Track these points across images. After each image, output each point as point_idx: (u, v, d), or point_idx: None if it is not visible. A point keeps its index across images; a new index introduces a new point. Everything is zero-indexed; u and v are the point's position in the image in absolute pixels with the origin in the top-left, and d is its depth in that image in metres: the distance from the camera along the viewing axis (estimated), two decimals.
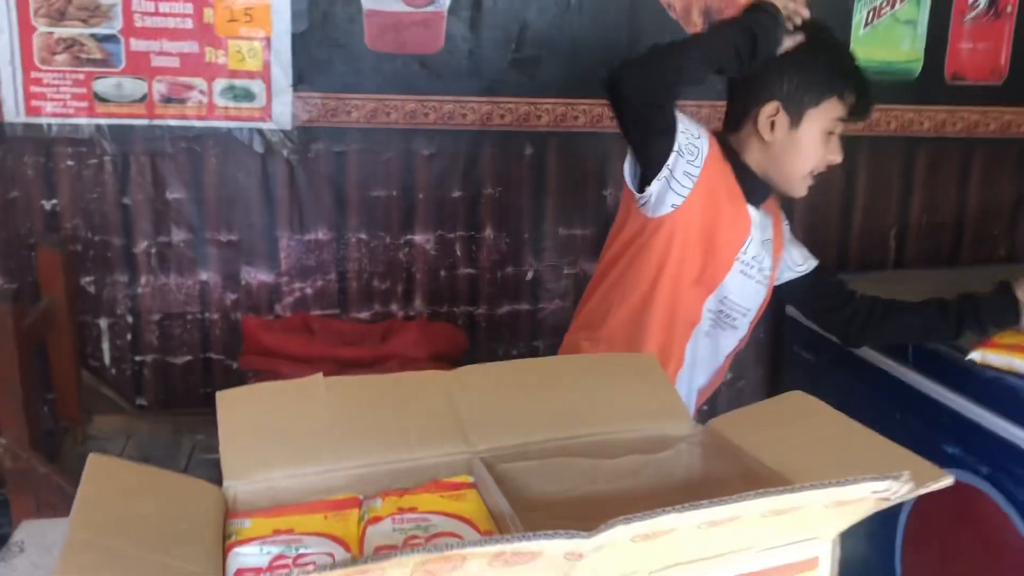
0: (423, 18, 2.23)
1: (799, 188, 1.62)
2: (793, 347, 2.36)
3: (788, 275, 1.74)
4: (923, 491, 0.95)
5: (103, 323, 2.28)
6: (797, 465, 1.00)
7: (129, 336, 2.30)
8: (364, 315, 2.38)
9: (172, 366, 2.33)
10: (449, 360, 2.17)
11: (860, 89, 1.57)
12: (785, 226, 1.74)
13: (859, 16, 2.40)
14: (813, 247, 2.40)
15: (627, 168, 1.55)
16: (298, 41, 2.20)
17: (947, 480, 0.96)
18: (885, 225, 2.57)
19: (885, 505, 0.84)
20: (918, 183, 2.55)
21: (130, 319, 2.29)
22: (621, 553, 0.76)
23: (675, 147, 1.47)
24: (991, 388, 1.65)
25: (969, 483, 1.69)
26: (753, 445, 1.07)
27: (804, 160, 1.57)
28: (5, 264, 2.21)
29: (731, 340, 1.69)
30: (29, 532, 1.38)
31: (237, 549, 0.89)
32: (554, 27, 2.29)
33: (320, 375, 1.14)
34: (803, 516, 0.83)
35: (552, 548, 0.71)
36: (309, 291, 2.34)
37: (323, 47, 2.22)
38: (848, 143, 2.38)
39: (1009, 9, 2.47)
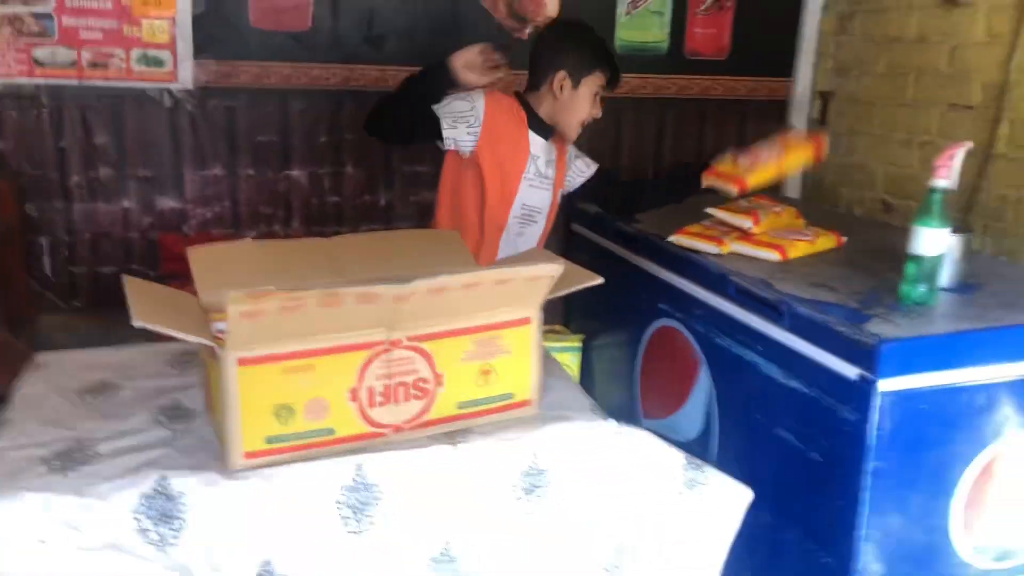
0: (295, 3, 2.91)
1: (574, 133, 2.44)
2: (576, 253, 3.21)
3: (580, 180, 2.59)
4: (584, 285, 1.77)
5: (44, 241, 2.87)
6: None
7: (66, 252, 2.89)
8: (253, 233, 3.03)
9: (101, 275, 2.93)
10: None
11: (613, 67, 2.40)
12: (571, 150, 2.55)
13: (621, 8, 3.23)
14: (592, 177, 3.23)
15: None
16: (197, 20, 2.82)
17: (598, 279, 1.78)
18: (645, 163, 3.42)
19: (552, 284, 1.65)
20: (668, 132, 3.42)
21: (67, 238, 2.88)
22: (422, 302, 1.54)
23: (446, 130, 2.27)
24: (680, 262, 2.53)
25: (671, 325, 2.59)
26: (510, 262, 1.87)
27: (578, 112, 2.40)
28: None
29: (536, 231, 2.50)
30: (45, 359, 2.02)
31: (214, 324, 1.63)
32: (397, 11, 2.99)
33: (249, 239, 1.88)
34: (516, 286, 1.62)
35: (386, 291, 1.48)
36: (209, 215, 2.99)
37: (217, 25, 2.85)
38: (616, 104, 3.26)
39: (729, 3, 3.36)
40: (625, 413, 2.88)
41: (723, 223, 2.53)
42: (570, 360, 3.16)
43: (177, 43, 2.82)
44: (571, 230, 3.27)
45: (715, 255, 2.45)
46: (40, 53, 2.72)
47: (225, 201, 3.00)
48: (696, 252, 2.49)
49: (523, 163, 2.40)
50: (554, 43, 2.40)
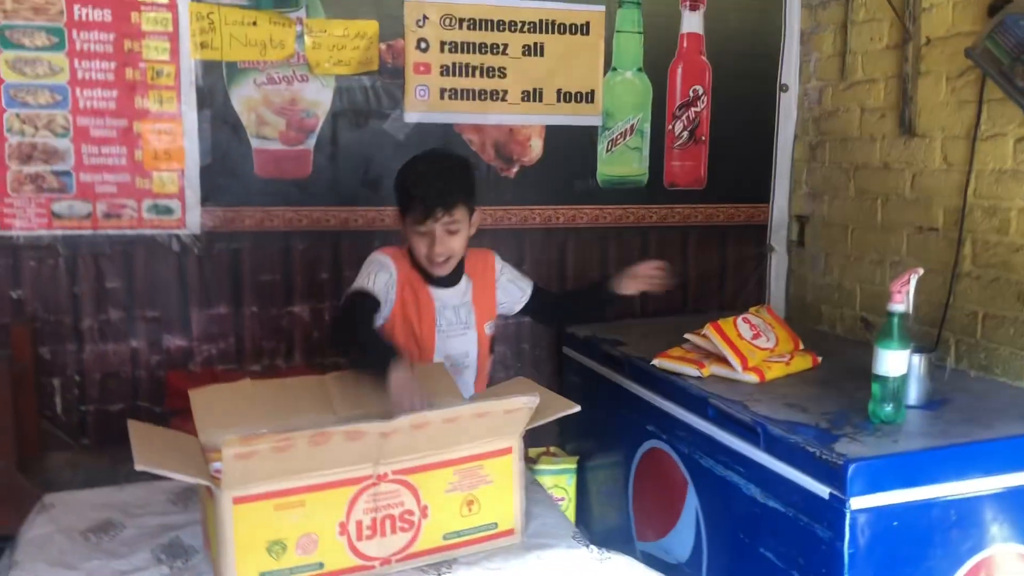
0: (296, 154, 3.13)
1: (430, 270, 2.30)
2: (569, 376, 3.33)
3: (519, 305, 2.52)
4: (562, 414, 1.87)
5: (56, 381, 2.99)
6: None
7: (76, 391, 3.01)
8: (257, 367, 3.16)
9: (109, 413, 3.04)
10: None
11: (413, 209, 2.23)
12: (499, 279, 2.48)
13: (602, 145, 3.44)
14: None
15: None
16: (204, 171, 3.03)
17: (575, 408, 1.88)
18: None
19: (531, 415, 1.76)
20: (652, 257, 3.55)
21: (77, 378, 3.01)
22: (405, 438, 1.66)
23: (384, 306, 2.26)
24: (665, 385, 2.63)
25: (658, 447, 2.67)
26: (491, 394, 1.98)
27: (418, 253, 2.28)
28: None
29: (470, 378, 2.40)
30: (54, 499, 2.11)
31: (212, 464, 1.73)
32: (391, 157, 3.18)
33: (248, 379, 2.00)
34: (495, 419, 1.74)
35: (372, 428, 1.59)
36: (215, 351, 3.12)
37: (223, 175, 3.06)
38: (601, 233, 3.43)
39: (703, 138, 3.57)
40: (620, 535, 2.93)
41: (702, 349, 2.64)
42: (566, 482, 3.22)
43: (185, 192, 3.02)
44: (562, 353, 3.39)
45: (696, 378, 2.56)
46: (58, 207, 2.92)
47: (230, 338, 3.14)
48: (678, 375, 2.60)
49: (432, 316, 2.36)
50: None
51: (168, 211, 3.02)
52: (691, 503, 2.51)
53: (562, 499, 3.20)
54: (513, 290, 2.52)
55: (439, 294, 2.37)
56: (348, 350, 2.21)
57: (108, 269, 3.00)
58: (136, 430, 1.73)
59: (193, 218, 3.04)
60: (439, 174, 2.28)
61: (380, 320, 2.27)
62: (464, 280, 2.43)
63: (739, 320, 2.60)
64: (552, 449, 3.36)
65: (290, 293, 3.19)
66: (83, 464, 2.99)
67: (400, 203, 2.32)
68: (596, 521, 3.17)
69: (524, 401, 1.73)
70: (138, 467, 1.56)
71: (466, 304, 2.41)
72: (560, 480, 3.20)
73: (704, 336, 2.58)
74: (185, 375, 3.05)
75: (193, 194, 3.03)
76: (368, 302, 2.22)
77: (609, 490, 3.04)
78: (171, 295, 3.07)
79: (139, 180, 2.98)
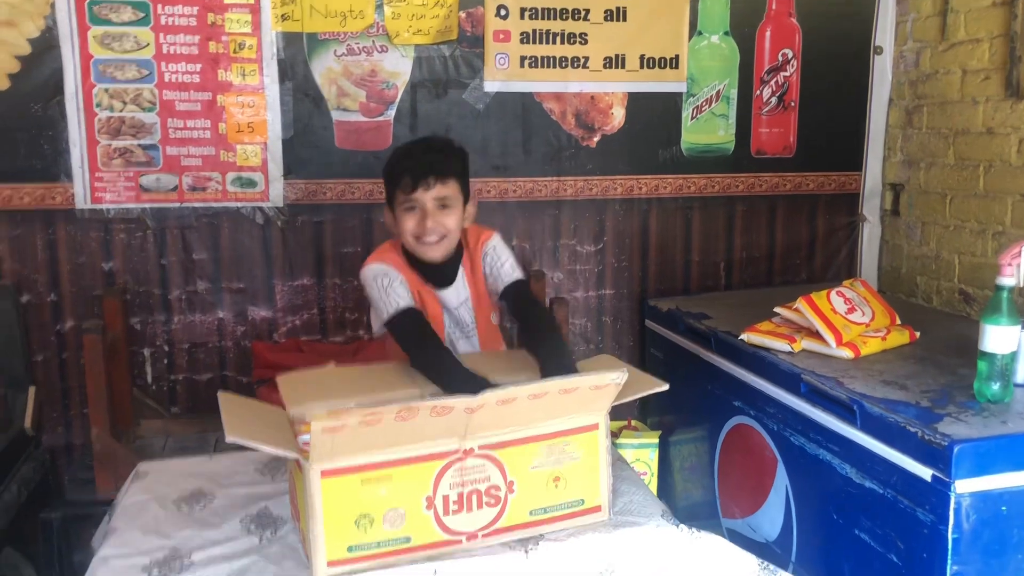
0: (375, 125, 3.12)
1: (420, 251, 2.12)
2: (651, 350, 3.27)
3: (493, 290, 2.24)
4: (650, 391, 1.82)
5: (147, 351, 3.07)
6: None
7: (166, 361, 3.09)
8: (339, 338, 3.19)
9: (197, 382, 3.11)
10: None
11: (400, 176, 2.09)
12: (485, 256, 2.21)
13: (686, 112, 3.34)
14: (663, 278, 3.32)
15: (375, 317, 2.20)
16: (287, 144, 3.05)
17: (664, 386, 1.83)
18: (716, 259, 3.47)
19: (618, 391, 1.71)
20: (738, 228, 3.47)
21: (166, 348, 3.08)
22: (493, 412, 1.63)
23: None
24: (754, 360, 2.55)
25: (746, 423, 2.60)
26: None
27: (406, 234, 2.12)
28: (74, 311, 2.99)
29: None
30: (147, 467, 2.16)
31: (300, 437, 1.73)
32: (469, 128, 3.17)
33: (332, 363, 2.00)
34: (581, 395, 1.70)
35: (459, 403, 1.57)
36: (298, 322, 3.16)
37: (305, 148, 3.07)
38: (685, 203, 3.35)
39: (793, 104, 3.44)
40: (704, 512, 2.87)
41: (793, 323, 2.55)
42: (648, 457, 3.17)
43: (268, 165, 3.04)
44: (644, 326, 3.33)
45: (787, 353, 2.47)
46: (146, 180, 2.97)
47: (313, 309, 3.16)
48: (767, 350, 2.52)
49: (440, 323, 2.22)
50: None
51: (252, 184, 3.05)
52: (781, 481, 2.44)
53: (644, 474, 3.15)
54: (501, 275, 2.22)
55: (443, 297, 2.21)
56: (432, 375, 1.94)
57: (195, 241, 3.05)
58: (226, 402, 1.75)
59: (276, 191, 3.06)
60: (430, 148, 2.17)
61: None
62: (460, 275, 2.23)
63: (833, 293, 2.50)
64: (634, 423, 3.31)
65: None
66: (174, 432, 3.06)
67: (388, 182, 2.15)
68: (679, 496, 3.11)
69: (612, 377, 1.68)
70: (229, 439, 1.57)
71: (465, 304, 2.24)
72: (642, 454, 3.15)
73: (796, 310, 2.49)
74: (270, 346, 3.09)
75: (276, 167, 3.05)
76: (416, 315, 2.07)
77: (693, 466, 2.98)
78: (255, 267, 3.11)
79: (223, 153, 3.01)
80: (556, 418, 1.72)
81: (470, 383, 1.76)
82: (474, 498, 1.67)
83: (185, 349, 3.09)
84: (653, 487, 3.17)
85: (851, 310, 2.50)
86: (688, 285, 3.46)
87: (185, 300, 3.07)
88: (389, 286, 2.09)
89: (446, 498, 1.65)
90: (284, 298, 3.14)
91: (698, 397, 2.87)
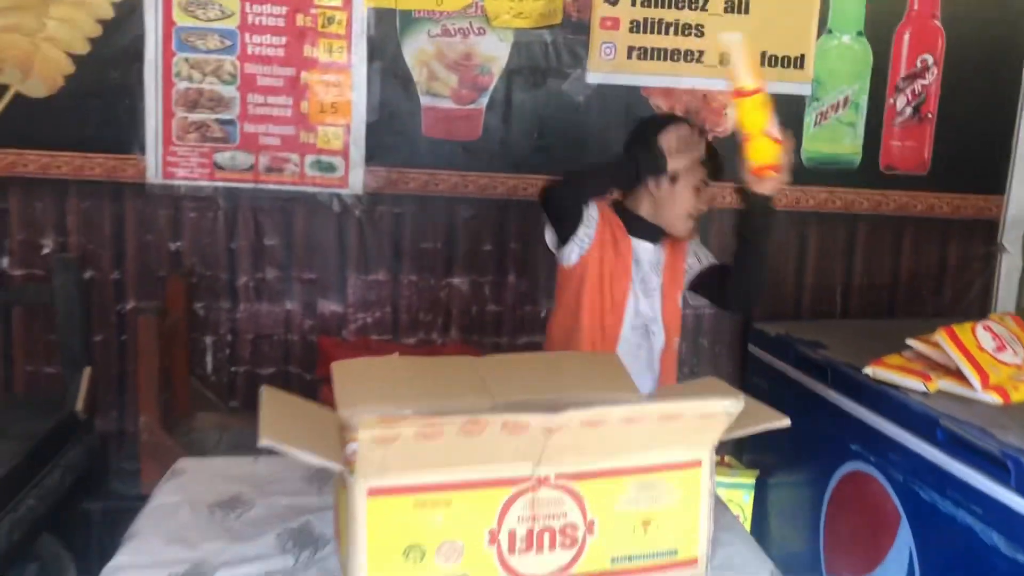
0: (467, 113, 2.89)
1: (683, 229, 2.17)
2: (753, 379, 2.94)
3: (688, 275, 2.24)
4: (768, 427, 1.53)
5: (208, 340, 2.90)
6: None
7: (228, 351, 2.91)
8: (411, 340, 2.97)
9: (260, 376, 2.93)
10: None
11: (715, 158, 2.20)
12: (689, 252, 2.25)
13: (809, 118, 3.02)
14: (772, 300, 3.01)
15: (548, 237, 2.16)
16: (371, 128, 2.85)
17: (785, 421, 1.53)
18: (832, 282, 3.13)
19: (732, 421, 1.42)
20: (859, 250, 3.12)
21: (229, 337, 2.91)
22: (575, 436, 1.35)
23: (581, 224, 2.11)
24: (879, 398, 2.21)
25: (863, 471, 2.25)
26: (678, 392, 1.65)
27: (679, 208, 2.14)
28: (137, 290, 2.84)
29: (657, 345, 2.21)
30: (185, 464, 1.96)
31: (349, 444, 1.49)
32: (567, 121, 2.91)
33: (397, 354, 1.76)
34: (684, 423, 1.41)
35: (535, 421, 1.30)
36: (370, 320, 2.95)
37: (389, 133, 2.87)
38: (801, 218, 3.04)
39: (930, 115, 3.07)
40: (804, 565, 2.53)
41: (927, 358, 2.20)
42: (742, 499, 2.84)
43: (350, 150, 2.84)
44: (747, 351, 3.00)
45: (920, 393, 2.13)
46: (221, 158, 2.80)
47: (386, 307, 2.95)
48: (896, 388, 2.18)
49: (627, 272, 2.18)
50: (648, 136, 2.17)
51: (331, 168, 2.85)
52: (903, 542, 2.09)
53: (737, 517, 2.82)
54: (691, 260, 2.27)
55: (638, 246, 2.19)
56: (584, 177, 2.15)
57: (267, 225, 2.87)
58: (269, 398, 1.52)
59: (356, 177, 2.86)
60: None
61: (575, 252, 2.14)
62: (660, 247, 2.23)
63: (979, 328, 2.14)
64: (727, 459, 2.99)
65: (450, 263, 2.97)
66: (230, 427, 2.87)
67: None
68: (775, 546, 2.76)
69: (724, 406, 1.38)
70: (262, 442, 1.34)
71: (659, 264, 2.23)
72: (735, 495, 2.82)
73: (934, 344, 2.14)
74: (338, 342, 2.89)
75: (358, 152, 2.85)
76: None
77: (795, 513, 2.64)
78: (329, 257, 2.91)
79: (303, 134, 2.83)
80: (652, 450, 1.43)
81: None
82: (546, 537, 1.39)
83: (249, 340, 2.92)
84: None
85: (1000, 348, 2.14)
86: (799, 309, 3.13)
87: (253, 287, 2.89)
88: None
89: (512, 533, 1.37)
90: (356, 293, 2.93)
91: (806, 436, 2.52)
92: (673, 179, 2.13)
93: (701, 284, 2.27)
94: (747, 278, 2.15)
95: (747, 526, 2.85)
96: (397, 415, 1.25)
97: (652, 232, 2.20)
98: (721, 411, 1.40)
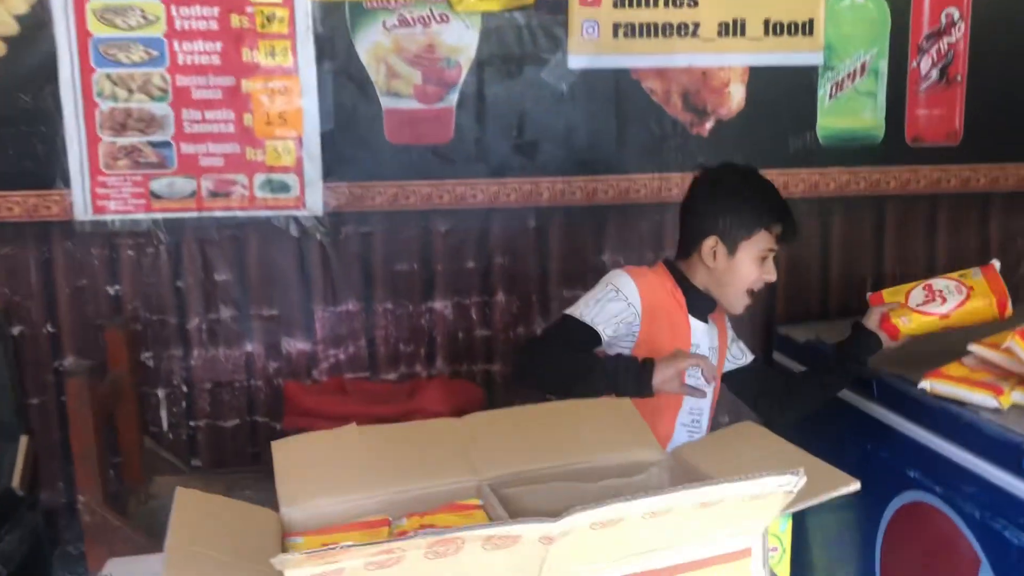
0: (435, 113, 2.54)
1: (738, 306, 1.89)
2: None
3: (729, 367, 2.01)
4: (835, 494, 1.19)
5: (161, 393, 2.55)
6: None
7: (184, 404, 2.57)
8: (392, 376, 2.63)
9: (223, 429, 2.58)
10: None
11: (785, 220, 1.87)
12: (728, 328, 2.00)
13: (823, 91, 2.67)
14: (795, 299, 2.67)
15: None
16: (327, 138, 2.50)
17: (855, 485, 1.20)
18: (861, 274, 2.79)
19: (791, 499, 1.08)
20: (889, 236, 2.78)
21: (185, 388, 2.56)
22: (585, 540, 1.00)
23: (607, 339, 1.78)
24: (941, 417, 1.87)
25: (927, 502, 1.91)
26: (708, 466, 1.31)
27: (741, 281, 1.85)
28: (76, 344, 2.50)
29: (703, 433, 1.93)
30: (117, 568, 1.63)
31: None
32: (550, 114, 2.57)
33: (354, 424, 1.41)
34: (728, 508, 1.06)
35: (528, 532, 0.95)
36: (343, 357, 2.60)
37: (348, 143, 2.52)
38: (821, 204, 2.70)
39: (959, 78, 2.73)
40: None
41: (995, 365, 1.86)
42: (779, 529, 2.49)
43: (304, 165, 2.50)
44: (772, 361, 2.65)
45: (991, 410, 1.78)
46: (157, 185, 2.46)
47: (360, 340, 2.61)
48: (961, 404, 1.83)
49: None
50: (701, 199, 1.90)
51: (284, 188, 2.50)
52: None
53: (774, 550, 2.47)
54: (735, 349, 2.04)
55: (697, 327, 1.89)
56: (557, 375, 1.74)
57: (217, 259, 2.53)
58: (183, 502, 1.18)
59: (314, 196, 2.51)
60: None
61: (623, 349, 1.84)
62: (711, 322, 1.94)
63: None
64: None
65: (430, 286, 2.63)
66: (195, 488, 2.53)
67: (735, 224, 1.84)
68: None
69: (782, 483, 1.04)
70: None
71: (713, 351, 1.92)
72: (772, 526, 2.47)
73: (1006, 350, 1.78)
74: (306, 387, 2.54)
75: (313, 167, 2.50)
76: (583, 333, 1.78)
77: (843, 547, 2.29)
78: (290, 289, 2.57)
79: (250, 151, 2.48)
80: (687, 544, 1.09)
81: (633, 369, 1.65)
82: None
83: (207, 390, 2.58)
84: (784, 568, 2.49)
85: None
86: (827, 308, 2.79)
87: (206, 330, 2.55)
88: (599, 300, 1.81)
89: None
90: (325, 327, 2.59)
91: (851, 458, 2.18)
92: (732, 251, 1.84)
93: (734, 377, 2.04)
94: (808, 406, 2.05)
95: (786, 559, 2.50)
96: (330, 551, 0.90)
97: (703, 306, 1.91)
98: (777, 490, 1.05)
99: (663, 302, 1.85)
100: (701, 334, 1.90)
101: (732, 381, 2.04)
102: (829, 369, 2.05)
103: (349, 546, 0.92)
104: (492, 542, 0.95)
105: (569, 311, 1.82)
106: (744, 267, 1.84)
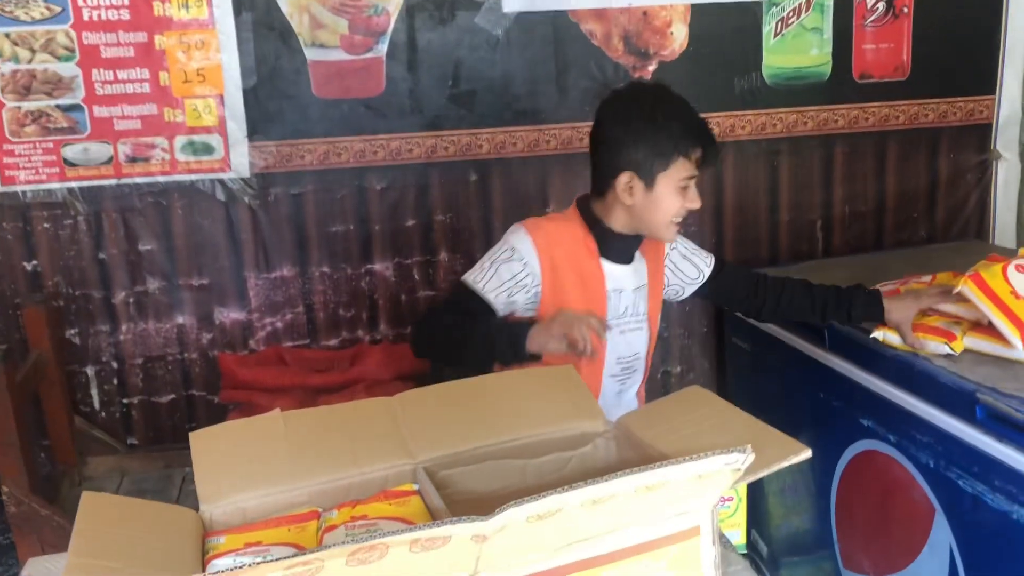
0: (364, 64, 2.40)
1: (667, 235, 1.73)
2: (733, 339, 2.54)
3: (692, 288, 1.88)
4: (785, 463, 1.13)
5: (90, 371, 2.43)
6: (687, 450, 1.16)
7: (115, 381, 2.45)
8: (333, 342, 2.52)
9: (158, 405, 2.47)
10: (415, 379, 2.30)
11: (705, 143, 1.69)
12: (670, 254, 1.85)
13: (768, 27, 2.57)
14: (743, 244, 2.60)
15: None
16: (249, 95, 2.35)
17: (806, 453, 1.13)
18: (811, 218, 2.72)
19: (739, 476, 1.02)
20: (837, 176, 2.72)
21: (115, 365, 2.44)
22: (521, 534, 0.93)
23: (501, 308, 1.69)
24: (893, 365, 1.82)
25: (881, 451, 1.87)
26: (654, 436, 1.24)
27: (664, 214, 1.69)
28: None
29: (638, 379, 1.85)
30: (36, 569, 1.53)
31: (214, 562, 1.06)
32: (486, 62, 2.45)
33: (278, 410, 1.31)
34: (673, 490, 0.99)
35: (459, 532, 0.87)
36: (279, 325, 2.49)
37: (273, 99, 2.37)
38: (768, 145, 2.61)
39: (906, 10, 2.64)
40: (812, 553, 2.18)
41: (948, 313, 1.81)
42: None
43: (227, 124, 2.35)
44: (722, 309, 2.60)
45: (944, 356, 1.74)
46: (70, 152, 2.30)
47: (297, 307, 2.50)
48: (912, 353, 1.79)
49: (601, 300, 1.75)
50: (610, 130, 1.71)
51: (208, 149, 2.36)
52: (941, 536, 1.72)
53: (729, 500, 2.45)
54: (687, 268, 1.87)
55: (613, 272, 1.75)
56: (446, 347, 1.68)
57: (140, 227, 2.39)
58: (88, 509, 1.08)
59: (239, 157, 2.38)
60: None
61: (518, 312, 1.74)
62: (638, 257, 1.79)
63: (1010, 268, 1.74)
64: None
65: (368, 246, 2.51)
66: (130, 470, 2.43)
67: (650, 156, 1.65)
68: (777, 532, 2.40)
69: (729, 461, 0.97)
70: None
71: (642, 289, 1.80)
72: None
73: (958, 295, 1.74)
74: (242, 358, 2.43)
75: (237, 126, 2.36)
76: (476, 301, 1.68)
77: (798, 497, 2.27)
78: (220, 256, 2.45)
79: (168, 111, 2.33)
80: (632, 527, 1.02)
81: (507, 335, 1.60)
82: None
83: (139, 365, 2.46)
84: (741, 518, 2.46)
85: None
86: (776, 252, 2.73)
87: (134, 304, 2.42)
88: (492, 265, 1.70)
89: None
90: (259, 295, 2.47)
91: (804, 407, 2.15)
92: (650, 184, 1.66)
93: (713, 290, 1.91)
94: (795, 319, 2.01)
95: (742, 510, 2.47)
96: (241, 570, 0.81)
97: (628, 249, 1.77)
98: (723, 467, 0.99)
99: (569, 252, 1.71)
100: (620, 277, 1.76)
101: (706, 294, 1.92)
102: (826, 305, 1.89)
103: (260, 562, 0.83)
104: (420, 544, 0.87)
105: (466, 276, 1.72)
106: (665, 200, 1.68)
